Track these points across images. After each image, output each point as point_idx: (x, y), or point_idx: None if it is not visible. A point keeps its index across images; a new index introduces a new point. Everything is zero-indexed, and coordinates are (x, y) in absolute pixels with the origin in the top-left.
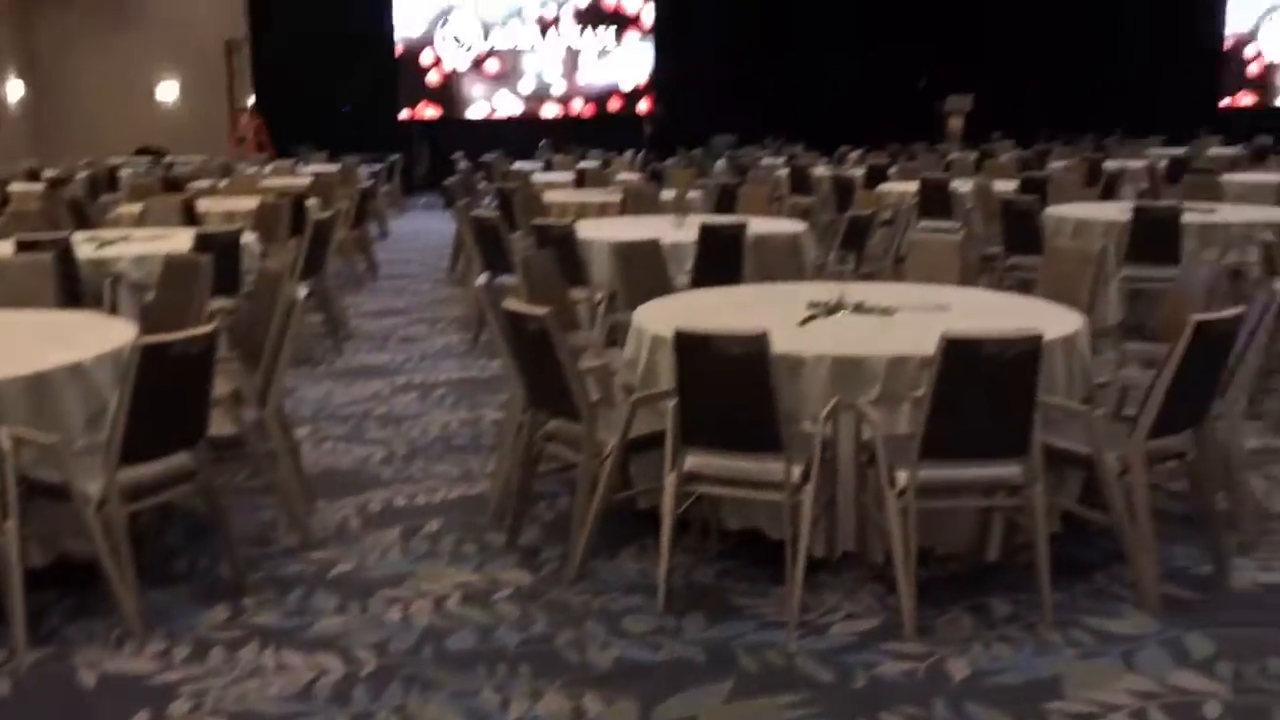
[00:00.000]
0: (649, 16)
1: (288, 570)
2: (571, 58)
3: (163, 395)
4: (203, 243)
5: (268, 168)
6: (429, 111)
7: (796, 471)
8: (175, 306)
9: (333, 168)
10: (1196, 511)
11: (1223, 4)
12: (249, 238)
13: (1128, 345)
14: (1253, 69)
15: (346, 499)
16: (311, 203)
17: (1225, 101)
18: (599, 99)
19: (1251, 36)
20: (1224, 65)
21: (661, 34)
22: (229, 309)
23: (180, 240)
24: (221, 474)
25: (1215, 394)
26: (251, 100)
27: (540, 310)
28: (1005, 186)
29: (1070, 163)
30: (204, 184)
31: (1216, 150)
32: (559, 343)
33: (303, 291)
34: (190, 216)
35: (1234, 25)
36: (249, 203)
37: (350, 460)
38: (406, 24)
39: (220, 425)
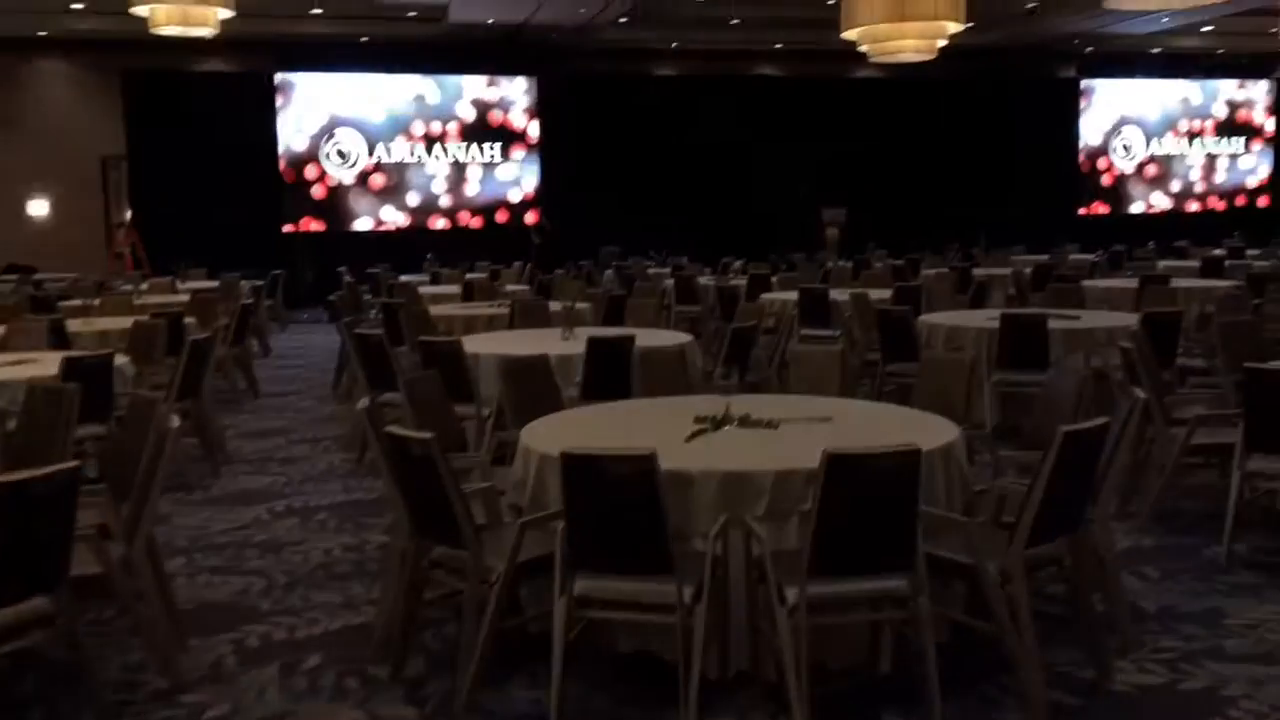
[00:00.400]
0: (535, 131)
1: (157, 717)
2: (458, 171)
3: (20, 537)
4: (71, 367)
5: (144, 285)
6: (314, 225)
7: (688, 592)
8: (39, 437)
9: (213, 284)
10: (1075, 615)
11: (1076, 120)
12: (122, 360)
13: (1003, 452)
14: (1105, 180)
15: (221, 635)
16: (190, 321)
17: (1082, 211)
18: (486, 211)
19: (1103, 150)
20: (1080, 177)
21: (547, 148)
22: (100, 435)
23: (48, 364)
24: (85, 614)
25: (1088, 500)
26: (129, 215)
27: (424, 435)
28: (881, 295)
29: (941, 271)
30: (76, 303)
31: (1076, 257)
32: (444, 469)
33: (177, 420)
34: (60, 338)
35: (1087, 139)
36: (123, 322)
37: (226, 592)
38: (290, 138)
39: (84, 563)
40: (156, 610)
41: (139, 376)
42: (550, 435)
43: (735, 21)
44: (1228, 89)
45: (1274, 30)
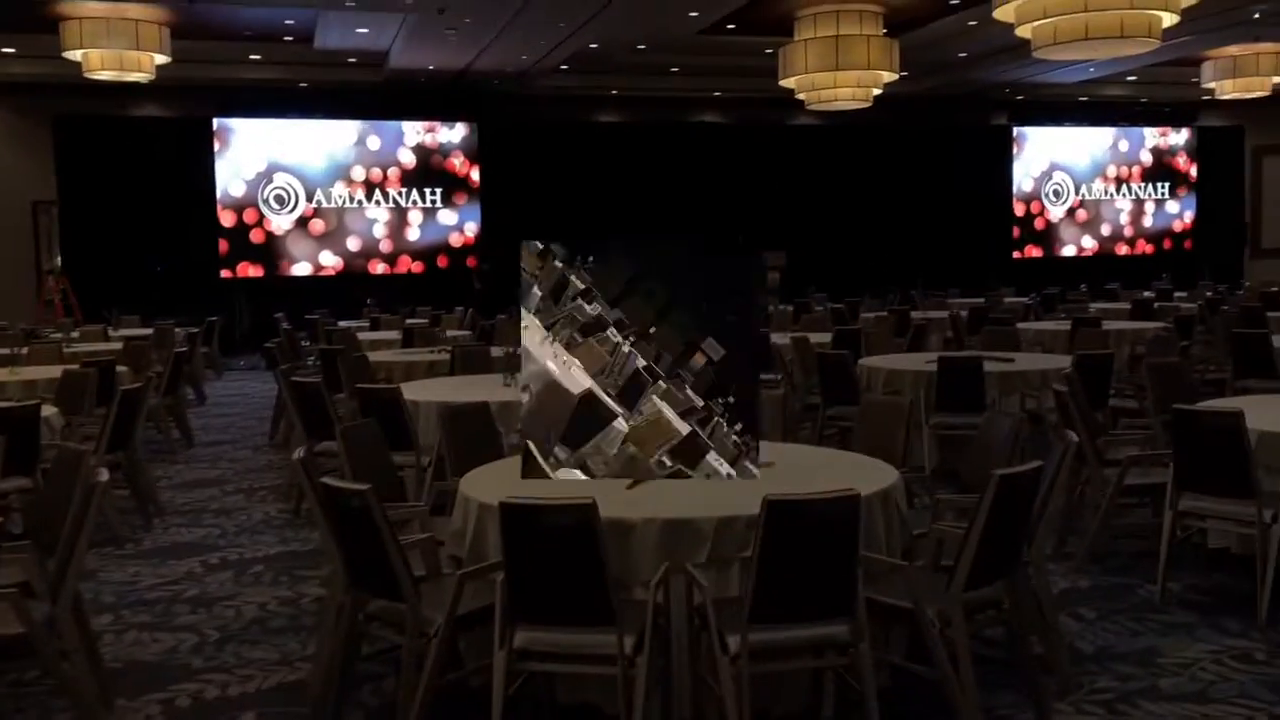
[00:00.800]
0: (476, 177)
1: None
2: (399, 216)
3: None
4: None
5: (75, 333)
6: (251, 270)
7: (629, 643)
8: None
9: (146, 331)
10: (1014, 658)
11: (1009, 166)
12: (49, 410)
13: (941, 495)
14: (1038, 224)
15: (151, 695)
16: (122, 370)
17: (1016, 254)
18: (427, 256)
19: (1035, 195)
20: (1014, 221)
21: (489, 193)
22: (25, 489)
23: None
24: (5, 675)
25: (1024, 542)
26: (59, 262)
27: (360, 486)
28: (821, 339)
29: (880, 315)
30: (3, 352)
31: (1011, 300)
32: (381, 520)
33: (105, 473)
34: None
35: (1019, 184)
36: (52, 371)
37: (156, 650)
38: (228, 183)
39: (5, 622)
40: (82, 670)
41: (68, 427)
42: (490, 484)
43: (675, 69)
44: (1152, 136)
45: (1194, 80)
